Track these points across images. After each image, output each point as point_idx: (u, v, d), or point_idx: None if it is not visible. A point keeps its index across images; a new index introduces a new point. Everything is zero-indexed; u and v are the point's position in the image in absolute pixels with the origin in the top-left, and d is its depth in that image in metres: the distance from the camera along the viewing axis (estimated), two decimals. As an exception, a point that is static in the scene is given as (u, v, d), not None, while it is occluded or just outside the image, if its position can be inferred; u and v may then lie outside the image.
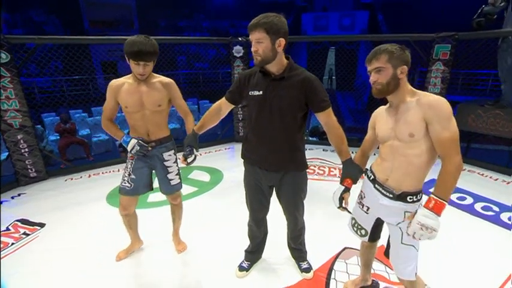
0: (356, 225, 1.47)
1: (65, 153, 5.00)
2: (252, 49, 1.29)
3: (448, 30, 3.56)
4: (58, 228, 2.39)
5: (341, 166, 1.42)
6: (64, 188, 3.21)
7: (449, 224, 2.35)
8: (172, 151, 1.82)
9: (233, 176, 3.38)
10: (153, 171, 1.83)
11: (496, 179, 3.21)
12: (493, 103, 3.54)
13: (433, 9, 11.72)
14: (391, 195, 1.23)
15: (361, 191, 1.42)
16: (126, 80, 1.67)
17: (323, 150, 4.26)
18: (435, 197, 1.08)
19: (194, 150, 1.52)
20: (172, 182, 1.84)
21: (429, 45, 3.73)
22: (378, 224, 1.40)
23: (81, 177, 3.50)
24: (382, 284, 1.74)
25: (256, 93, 1.39)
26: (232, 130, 4.75)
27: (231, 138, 4.77)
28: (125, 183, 1.77)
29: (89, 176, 3.53)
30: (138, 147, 1.66)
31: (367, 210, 1.37)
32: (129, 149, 1.66)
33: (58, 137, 5.43)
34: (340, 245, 2.09)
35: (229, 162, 4.00)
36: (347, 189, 1.37)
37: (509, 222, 2.38)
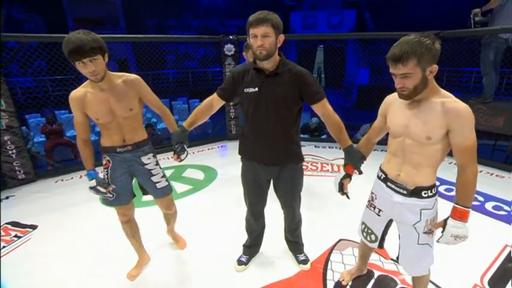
0: (366, 229, 1.44)
1: (52, 155, 4.87)
2: (258, 43, 1.30)
3: (433, 29, 3.68)
4: (51, 229, 2.35)
5: (334, 161, 1.47)
6: (55, 189, 3.14)
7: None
8: (151, 154, 1.68)
9: (227, 173, 3.40)
10: (134, 177, 1.69)
11: (481, 171, 3.35)
12: (476, 98, 3.69)
13: (418, 7, 12.02)
14: (404, 192, 1.19)
15: (372, 193, 1.39)
16: (86, 89, 1.46)
17: (315, 146, 4.33)
18: (460, 207, 1.09)
19: (185, 146, 1.49)
20: (159, 185, 1.70)
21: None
22: (387, 229, 1.37)
23: (72, 178, 3.43)
24: (376, 273, 1.81)
25: (252, 90, 1.42)
26: (225, 128, 4.76)
27: (223, 136, 4.77)
28: (109, 195, 1.60)
29: (80, 176, 3.46)
30: (94, 192, 1.54)
31: (379, 212, 1.33)
32: (89, 185, 1.55)
33: (44, 139, 5.29)
34: (335, 237, 2.15)
35: (222, 159, 4.01)
36: (347, 175, 1.40)
37: (494, 211, 2.49)
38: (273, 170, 1.54)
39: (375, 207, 1.35)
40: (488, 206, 2.59)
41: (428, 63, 1.02)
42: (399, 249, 1.31)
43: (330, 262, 1.92)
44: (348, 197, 1.45)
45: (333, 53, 6.70)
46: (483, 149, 3.92)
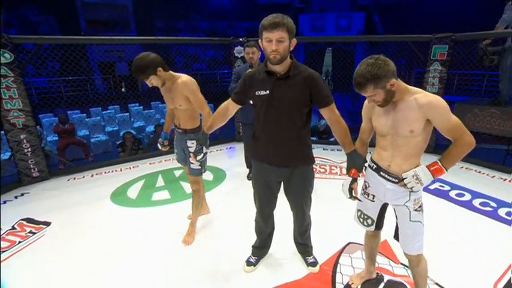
0: (362, 215, 1.54)
1: (64, 154, 4.99)
2: (272, 47, 1.31)
3: (443, 31, 3.65)
4: (64, 226, 2.41)
5: (342, 164, 1.50)
6: (67, 187, 3.21)
7: (449, 220, 2.42)
8: (195, 142, 2.01)
9: (235, 174, 3.41)
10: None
11: (493, 176, 3.29)
12: (490, 102, 3.63)
13: (427, 10, 11.89)
14: (396, 180, 1.34)
15: (365, 182, 1.50)
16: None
17: (323, 149, 4.31)
18: (439, 163, 1.24)
19: (204, 148, 1.69)
20: (192, 166, 2.06)
21: (425, 45, 3.82)
22: (383, 212, 1.50)
23: (83, 176, 3.50)
24: (386, 277, 1.79)
25: (263, 92, 1.44)
26: (233, 130, 4.79)
27: (231, 138, 4.80)
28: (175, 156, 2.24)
29: (92, 175, 3.53)
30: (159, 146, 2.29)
31: (373, 198, 1.46)
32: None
33: (56, 138, 5.42)
34: (344, 240, 2.14)
35: (231, 161, 4.03)
36: (354, 180, 1.44)
37: (507, 218, 2.45)
38: (284, 171, 1.55)
39: (368, 195, 1.48)
40: (502, 212, 2.54)
41: (386, 81, 1.18)
42: (398, 229, 1.45)
43: (339, 265, 1.91)
44: (359, 200, 1.50)
45: (341, 56, 6.69)
46: (495, 154, 3.86)
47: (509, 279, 1.75)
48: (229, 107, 1.58)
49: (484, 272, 1.82)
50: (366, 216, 1.52)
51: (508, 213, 2.51)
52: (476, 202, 2.71)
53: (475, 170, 3.46)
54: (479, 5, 10.32)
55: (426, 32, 3.83)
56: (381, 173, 1.38)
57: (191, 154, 1.89)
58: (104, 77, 9.87)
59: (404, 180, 1.29)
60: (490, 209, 2.60)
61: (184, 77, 1.90)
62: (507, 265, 1.86)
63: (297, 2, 14.31)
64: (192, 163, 2.05)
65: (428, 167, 1.26)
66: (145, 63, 1.71)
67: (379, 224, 1.54)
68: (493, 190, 2.90)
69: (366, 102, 1.40)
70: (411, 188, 1.29)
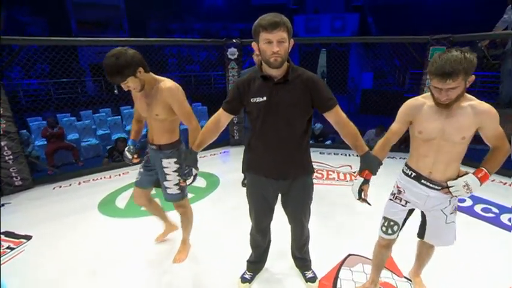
0: (387, 223, 1.47)
1: (53, 159, 4.80)
2: (274, 49, 1.19)
3: (437, 32, 3.59)
4: (46, 241, 2.25)
5: (339, 169, 1.39)
6: (52, 196, 3.05)
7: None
8: (173, 160, 1.73)
9: (230, 181, 3.28)
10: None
11: (493, 180, 3.22)
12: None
13: (420, 11, 11.97)
14: (439, 187, 1.32)
15: (398, 187, 1.46)
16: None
17: (320, 153, 4.21)
18: (485, 169, 1.23)
19: (193, 170, 1.43)
20: (169, 191, 1.77)
21: (422, 47, 3.75)
22: (407, 217, 1.47)
23: (70, 184, 3.34)
24: (389, 293, 1.69)
25: (260, 99, 1.31)
26: (227, 134, 4.66)
27: (226, 142, 4.68)
28: (137, 174, 1.87)
29: (79, 183, 3.37)
30: (124, 158, 1.82)
31: (405, 204, 1.43)
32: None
33: (45, 142, 5.22)
34: (344, 251, 2.03)
35: (225, 166, 3.90)
36: (366, 181, 1.35)
37: (509, 224, 2.38)
38: (283, 184, 1.44)
39: (401, 200, 1.44)
40: (504, 218, 2.46)
41: (469, 75, 1.13)
42: (424, 229, 1.47)
43: (339, 280, 1.80)
44: (368, 203, 1.39)
45: (336, 57, 6.61)
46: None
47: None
48: (221, 118, 1.43)
49: (488, 285, 1.73)
50: (392, 223, 1.45)
51: (510, 220, 2.43)
52: (478, 208, 2.64)
53: None
54: (474, 5, 10.40)
55: (420, 32, 3.77)
56: (422, 181, 1.35)
57: (168, 176, 1.71)
58: (95, 79, 9.65)
59: (451, 189, 1.26)
60: (493, 215, 2.53)
61: (168, 82, 1.59)
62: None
63: (291, 3, 14.28)
64: (168, 187, 1.75)
65: (475, 174, 1.24)
66: (123, 62, 1.39)
67: (400, 229, 1.48)
68: (494, 195, 2.83)
69: (409, 102, 1.35)
70: (457, 196, 1.29)
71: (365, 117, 7.31)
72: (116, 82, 1.45)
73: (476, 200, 2.76)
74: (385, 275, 1.81)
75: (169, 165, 1.73)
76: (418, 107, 1.30)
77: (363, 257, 1.97)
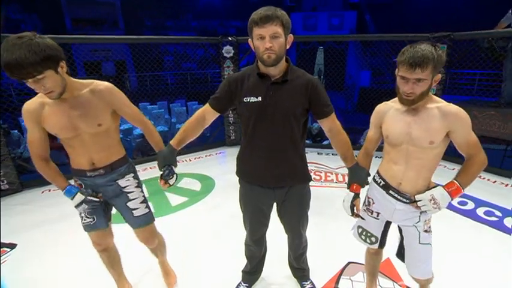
0: (364, 233, 1.41)
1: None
2: (266, 45, 1.10)
3: (434, 30, 3.50)
4: (31, 249, 2.13)
5: (338, 170, 1.31)
6: (40, 201, 2.93)
7: (451, 230, 2.26)
8: (131, 175, 1.42)
9: (225, 183, 3.19)
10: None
11: (494, 182, 3.16)
12: (491, 104, 3.53)
13: (418, 9, 11.91)
14: (407, 201, 1.22)
15: (368, 197, 1.38)
16: (43, 100, 1.20)
17: (318, 153, 4.13)
18: (457, 183, 1.12)
19: (173, 169, 1.26)
20: (136, 212, 1.43)
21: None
22: (386, 229, 1.38)
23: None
24: (391, 304, 1.61)
25: (254, 99, 1.21)
26: (223, 134, 4.56)
27: (221, 142, 4.57)
28: (86, 218, 1.39)
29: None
30: (83, 206, 1.33)
31: (377, 216, 1.34)
32: (73, 203, 1.32)
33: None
34: (343, 259, 1.95)
35: (220, 168, 3.80)
36: (357, 196, 1.29)
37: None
38: (279, 193, 1.34)
39: (372, 212, 1.36)
40: (508, 222, 2.40)
41: (437, 71, 1.07)
42: (402, 248, 1.35)
43: (338, 290, 1.72)
44: (362, 218, 1.35)
45: (333, 55, 6.52)
46: (493, 157, 3.75)
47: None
48: (207, 116, 1.30)
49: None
50: (368, 234, 1.39)
51: (513, 223, 2.37)
52: (480, 211, 2.56)
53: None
54: (472, 3, 10.34)
55: (417, 31, 3.70)
56: (390, 192, 1.26)
57: (131, 195, 1.40)
58: (90, 77, 9.50)
59: (419, 203, 1.16)
60: (496, 218, 2.46)
61: (100, 82, 1.27)
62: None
63: (288, 0, 14.15)
64: (134, 209, 1.42)
65: (446, 187, 1.13)
66: (43, 47, 1.01)
67: (383, 242, 1.40)
68: (496, 197, 2.77)
69: (378, 106, 1.30)
70: (425, 211, 1.18)
71: (362, 115, 7.23)
72: (25, 75, 1.00)
73: (479, 202, 2.69)
74: (387, 285, 1.73)
75: (129, 182, 1.41)
76: (385, 110, 1.25)
77: (363, 264, 1.88)
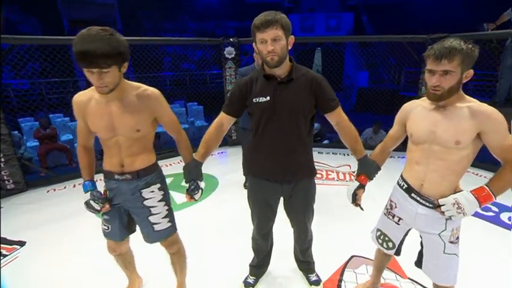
0: (382, 236, 1.39)
1: (46, 161, 4.69)
2: (268, 48, 1.18)
3: (430, 31, 3.59)
4: (41, 246, 2.18)
5: (338, 168, 1.37)
6: (46, 200, 2.96)
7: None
8: (157, 186, 1.36)
9: (229, 182, 3.25)
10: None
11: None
12: (486, 103, 3.61)
13: (414, 11, 12.07)
14: (430, 205, 1.15)
15: (391, 201, 1.34)
16: (92, 94, 1.23)
17: (318, 152, 4.19)
18: (488, 189, 1.03)
19: (199, 184, 1.33)
20: (157, 227, 1.37)
21: (419, 46, 3.76)
22: (405, 238, 1.34)
23: (64, 187, 3.25)
24: (394, 295, 1.67)
25: (263, 99, 1.28)
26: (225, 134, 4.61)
27: (223, 142, 4.61)
28: (103, 225, 1.41)
29: (74, 185, 3.29)
30: (87, 208, 1.32)
31: (398, 221, 1.29)
32: (84, 199, 1.34)
33: (37, 144, 5.11)
34: (347, 252, 2.01)
35: (223, 167, 3.86)
36: (362, 186, 1.33)
37: (509, 222, 2.38)
38: (286, 188, 1.41)
39: (394, 216, 1.31)
40: (504, 217, 2.47)
41: (467, 66, 1.02)
42: (422, 256, 1.26)
43: (343, 282, 1.78)
44: (361, 208, 1.38)
45: (331, 56, 6.60)
46: (486, 151, 3.83)
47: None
48: (224, 122, 1.38)
49: (488, 284, 1.72)
50: (387, 239, 1.36)
51: (510, 218, 2.44)
52: (504, 216, 2.57)
53: (472, 172, 3.41)
54: (468, 4, 10.50)
55: (413, 32, 3.80)
56: (412, 195, 1.20)
57: (154, 209, 1.35)
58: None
59: (442, 208, 1.08)
60: (492, 213, 2.53)
61: (148, 88, 1.25)
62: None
63: (286, 1, 14.25)
64: (155, 223, 1.36)
65: (474, 192, 1.04)
66: (120, 44, 1.07)
67: (399, 249, 1.37)
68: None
69: (405, 104, 1.26)
70: (450, 217, 1.10)
71: (361, 115, 7.32)
72: (92, 66, 1.03)
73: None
74: (389, 277, 1.79)
75: (153, 194, 1.35)
76: (411, 108, 1.22)
77: (367, 258, 1.95)
